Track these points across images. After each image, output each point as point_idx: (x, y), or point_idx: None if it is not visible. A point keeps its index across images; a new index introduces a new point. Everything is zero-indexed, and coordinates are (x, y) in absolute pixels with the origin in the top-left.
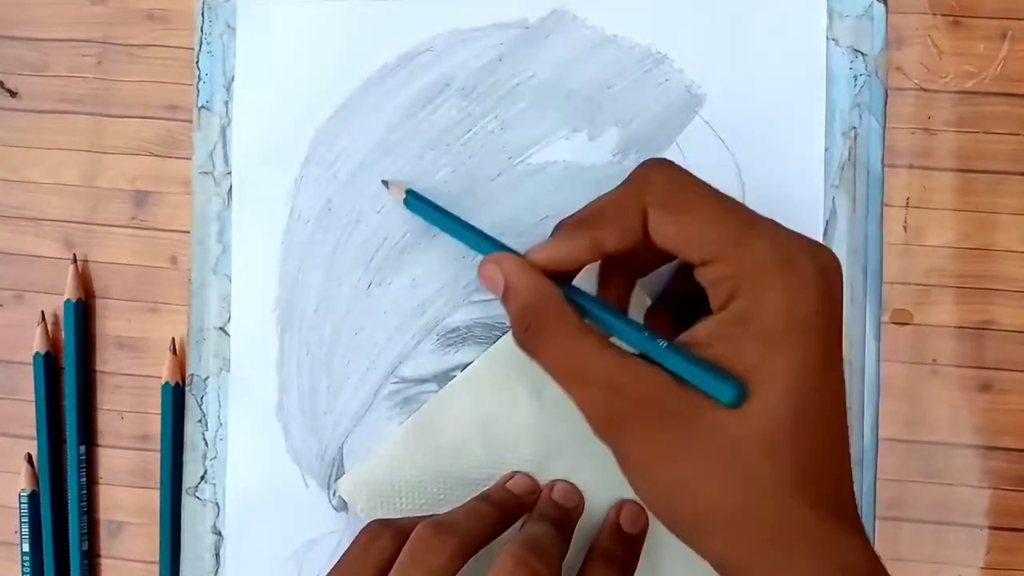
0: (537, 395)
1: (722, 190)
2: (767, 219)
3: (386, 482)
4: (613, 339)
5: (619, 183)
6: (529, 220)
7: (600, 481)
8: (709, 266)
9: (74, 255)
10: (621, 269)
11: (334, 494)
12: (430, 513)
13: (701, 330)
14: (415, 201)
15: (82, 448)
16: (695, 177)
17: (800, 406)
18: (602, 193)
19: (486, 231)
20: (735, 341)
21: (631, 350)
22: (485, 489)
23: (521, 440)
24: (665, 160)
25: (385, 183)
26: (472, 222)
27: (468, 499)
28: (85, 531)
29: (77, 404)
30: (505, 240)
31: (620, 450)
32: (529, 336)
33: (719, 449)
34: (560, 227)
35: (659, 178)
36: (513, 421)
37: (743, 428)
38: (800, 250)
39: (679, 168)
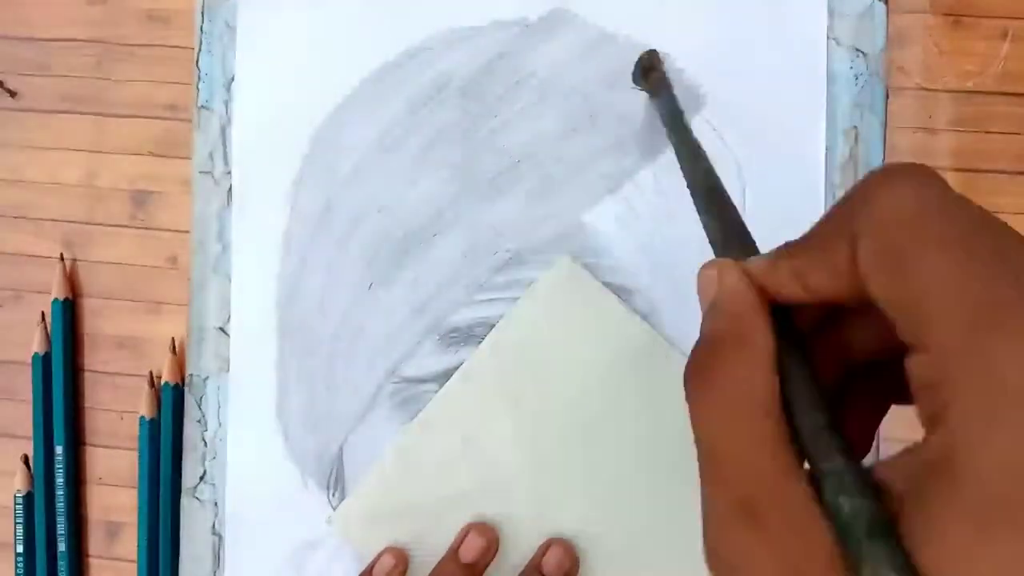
0: (515, 405)
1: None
2: None
3: (377, 513)
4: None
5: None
6: (529, 220)
7: (589, 485)
8: (919, 356)
9: (61, 254)
10: (834, 342)
11: (334, 495)
12: (427, 539)
13: (892, 469)
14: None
15: (59, 448)
16: (952, 203)
17: None
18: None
19: (486, 231)
20: (924, 505)
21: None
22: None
23: (505, 453)
24: (911, 169)
25: None
26: (472, 222)
27: (462, 518)
28: (74, 531)
29: (65, 403)
30: (505, 240)
31: None
32: (699, 380)
33: None
34: (781, 247)
35: (886, 200)
36: (495, 436)
37: None
38: None
39: (928, 185)
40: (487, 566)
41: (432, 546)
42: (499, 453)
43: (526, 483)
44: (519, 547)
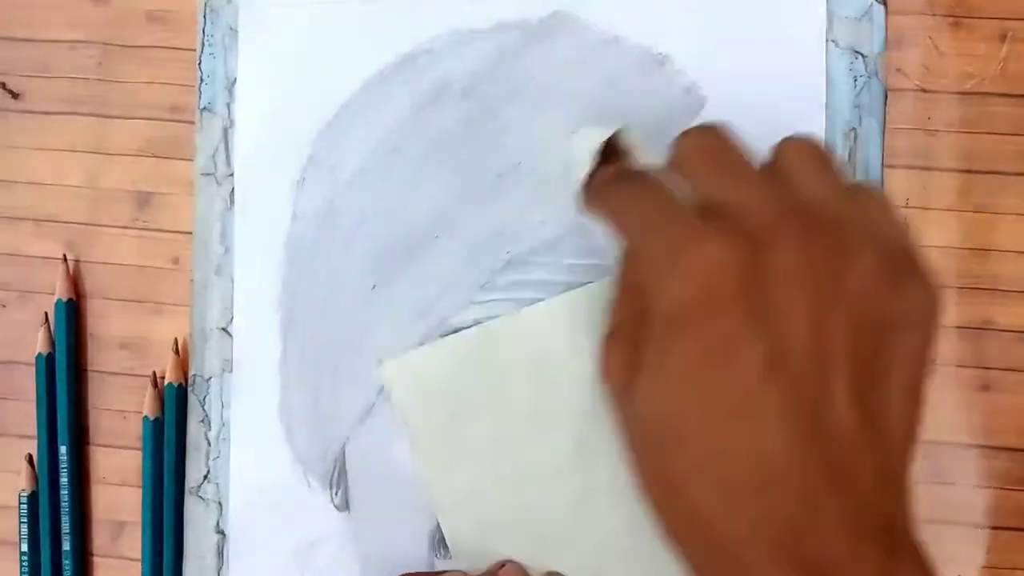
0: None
1: None
2: None
3: (428, 382)
4: None
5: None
6: (530, 222)
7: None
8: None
9: (64, 255)
10: None
11: (336, 493)
12: (463, 430)
13: None
14: None
15: (63, 448)
16: None
17: None
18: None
19: (488, 232)
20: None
21: None
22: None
23: (568, 392)
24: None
25: None
26: (473, 224)
27: (506, 427)
28: (78, 530)
29: (68, 403)
30: (505, 241)
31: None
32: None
33: None
34: None
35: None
36: (564, 370)
37: None
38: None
39: None
40: None
41: (467, 443)
42: (563, 389)
43: (580, 425)
44: (558, 501)
